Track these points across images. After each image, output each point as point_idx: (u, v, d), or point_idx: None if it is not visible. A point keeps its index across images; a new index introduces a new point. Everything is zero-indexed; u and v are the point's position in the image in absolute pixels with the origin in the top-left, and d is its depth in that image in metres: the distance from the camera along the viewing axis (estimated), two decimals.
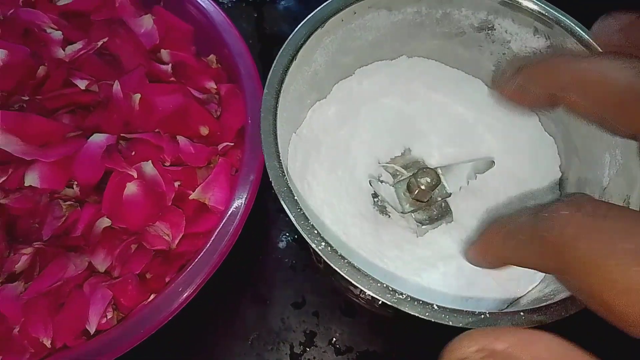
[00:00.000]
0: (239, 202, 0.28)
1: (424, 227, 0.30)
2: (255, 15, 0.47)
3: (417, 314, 0.20)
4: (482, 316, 0.20)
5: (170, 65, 0.32)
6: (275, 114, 0.24)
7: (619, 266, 0.14)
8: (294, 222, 0.21)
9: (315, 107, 0.31)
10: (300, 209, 0.22)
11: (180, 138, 0.30)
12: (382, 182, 0.32)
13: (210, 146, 0.31)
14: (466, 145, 0.32)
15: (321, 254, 0.21)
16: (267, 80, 0.25)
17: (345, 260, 0.21)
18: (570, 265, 0.15)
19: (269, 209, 0.39)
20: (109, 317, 0.27)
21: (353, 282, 0.20)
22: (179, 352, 0.34)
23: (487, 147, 0.32)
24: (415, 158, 0.33)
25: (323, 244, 0.21)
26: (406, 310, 0.20)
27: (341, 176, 0.31)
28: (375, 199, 0.32)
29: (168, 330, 0.27)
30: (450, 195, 0.31)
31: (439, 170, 0.31)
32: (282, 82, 0.25)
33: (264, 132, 0.23)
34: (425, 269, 0.29)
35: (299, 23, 0.26)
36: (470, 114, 0.32)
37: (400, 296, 0.20)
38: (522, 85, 0.21)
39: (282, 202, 0.22)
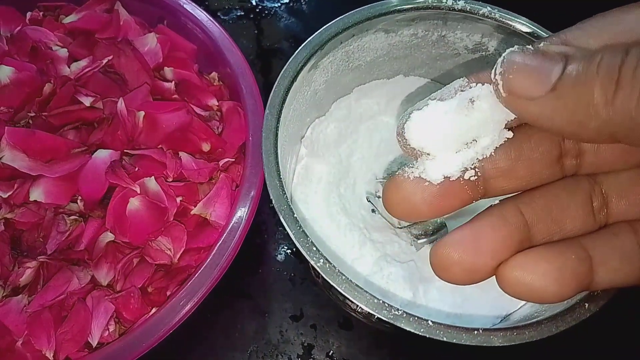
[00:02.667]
0: (240, 217, 0.29)
1: (420, 241, 0.31)
2: (256, 32, 0.48)
3: (412, 330, 0.20)
4: (476, 332, 0.21)
5: (173, 82, 0.33)
6: (277, 133, 0.25)
7: None
8: (294, 240, 0.22)
9: (315, 124, 0.32)
10: (300, 227, 0.22)
11: (182, 154, 0.31)
12: (379, 197, 0.33)
13: (211, 162, 0.32)
14: None
15: (320, 271, 0.21)
16: (269, 101, 0.25)
17: (343, 277, 0.21)
18: None
19: (267, 222, 0.40)
20: (111, 330, 0.27)
21: (350, 298, 0.21)
22: None
23: None
24: None
25: (322, 260, 0.22)
26: (402, 326, 0.20)
27: (342, 192, 0.32)
28: (374, 214, 0.33)
29: (167, 342, 0.27)
30: None
31: None
32: (283, 102, 0.25)
33: (265, 152, 0.24)
34: (421, 283, 0.30)
35: (299, 40, 0.27)
36: None
37: (397, 312, 0.21)
38: None
39: (283, 220, 0.22)
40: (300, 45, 0.26)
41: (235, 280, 0.37)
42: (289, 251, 0.39)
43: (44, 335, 0.27)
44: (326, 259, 0.22)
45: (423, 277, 0.30)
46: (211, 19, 0.35)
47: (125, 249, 0.29)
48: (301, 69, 0.26)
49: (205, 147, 0.32)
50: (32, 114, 0.31)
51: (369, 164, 0.34)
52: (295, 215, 0.23)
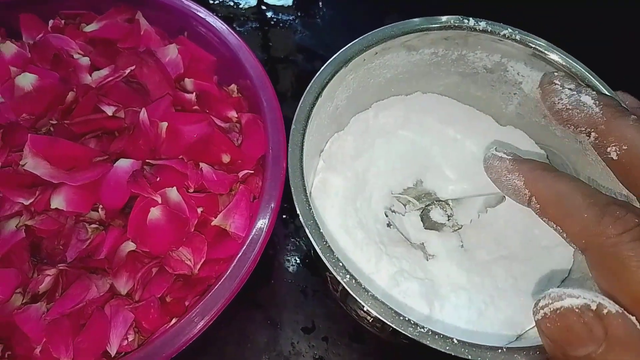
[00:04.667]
0: (260, 228, 0.29)
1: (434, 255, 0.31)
2: (270, 44, 0.49)
3: (438, 348, 0.21)
4: (500, 350, 0.21)
5: (194, 94, 0.33)
6: (302, 148, 0.25)
7: None
8: (320, 255, 0.22)
9: (334, 139, 0.33)
10: (326, 242, 0.23)
11: (203, 165, 0.31)
12: (394, 212, 0.33)
13: (230, 173, 0.32)
14: (477, 179, 0.33)
15: (346, 287, 0.22)
16: (295, 116, 0.26)
17: (369, 294, 0.22)
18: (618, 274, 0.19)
19: (279, 233, 0.40)
20: (130, 340, 0.27)
21: (376, 314, 0.21)
22: None
23: None
24: (427, 190, 0.34)
25: (348, 276, 0.22)
26: (427, 343, 0.21)
27: (358, 206, 0.32)
28: (389, 228, 0.33)
29: (180, 354, 0.27)
30: (461, 227, 0.32)
31: (451, 203, 0.32)
32: (308, 117, 0.26)
33: (291, 166, 0.24)
34: (437, 300, 0.30)
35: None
36: (481, 148, 0.34)
37: (422, 330, 0.21)
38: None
39: (309, 235, 0.23)
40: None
41: (247, 290, 0.37)
42: (300, 263, 0.39)
43: (62, 343, 0.28)
44: (352, 275, 0.22)
45: (439, 293, 0.30)
46: (232, 31, 0.35)
47: (144, 258, 0.29)
48: (326, 84, 0.27)
49: (225, 158, 0.32)
50: (54, 122, 0.31)
51: (385, 179, 0.34)
52: (321, 230, 0.23)
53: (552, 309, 0.19)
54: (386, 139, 0.34)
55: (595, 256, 0.20)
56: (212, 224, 0.30)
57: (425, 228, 0.32)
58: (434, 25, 0.29)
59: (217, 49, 0.36)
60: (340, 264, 0.22)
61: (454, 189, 0.33)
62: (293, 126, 0.25)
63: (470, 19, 0.29)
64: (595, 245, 0.20)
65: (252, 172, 0.32)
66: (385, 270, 0.30)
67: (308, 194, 0.24)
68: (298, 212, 0.23)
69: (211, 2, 0.51)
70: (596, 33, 0.49)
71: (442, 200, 0.32)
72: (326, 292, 0.38)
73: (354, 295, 0.21)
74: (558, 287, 0.27)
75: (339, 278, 0.22)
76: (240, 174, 0.32)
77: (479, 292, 0.30)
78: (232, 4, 0.51)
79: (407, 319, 0.21)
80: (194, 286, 0.29)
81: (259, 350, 0.36)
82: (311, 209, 0.23)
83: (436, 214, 0.31)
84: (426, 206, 0.32)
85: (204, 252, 0.29)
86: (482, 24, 0.29)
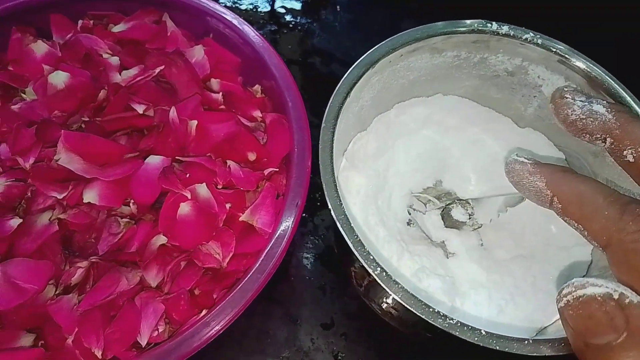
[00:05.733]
0: (286, 225, 0.30)
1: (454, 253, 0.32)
2: (289, 46, 0.50)
3: (466, 339, 0.21)
4: (526, 342, 0.22)
5: (220, 94, 0.34)
6: (332, 146, 0.26)
7: None
8: (352, 248, 0.23)
9: (357, 138, 0.33)
10: (357, 236, 0.23)
11: (230, 163, 0.32)
12: (415, 210, 0.34)
13: (256, 171, 0.33)
14: (496, 179, 0.34)
15: (377, 279, 0.22)
16: (325, 116, 0.27)
17: (400, 286, 0.22)
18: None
19: (297, 231, 0.41)
20: (160, 331, 0.28)
21: (406, 306, 0.22)
22: None
23: None
24: (447, 189, 0.35)
25: (379, 269, 0.23)
26: (457, 334, 0.21)
27: (379, 204, 0.33)
28: (409, 227, 0.34)
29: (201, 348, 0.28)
30: (481, 226, 0.33)
31: (471, 203, 0.33)
32: (337, 117, 0.27)
33: (322, 163, 0.25)
34: (458, 297, 0.30)
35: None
36: (500, 149, 0.35)
37: (451, 321, 0.22)
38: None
39: (341, 229, 0.23)
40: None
41: (266, 286, 0.38)
42: (318, 260, 0.40)
43: (93, 333, 0.28)
44: (382, 268, 0.23)
45: (459, 290, 0.31)
46: (257, 33, 0.36)
47: (174, 252, 0.30)
48: (354, 84, 0.28)
49: (251, 156, 0.33)
50: (86, 119, 0.32)
51: (405, 178, 0.35)
52: (352, 225, 0.24)
53: (574, 297, 0.20)
54: (407, 140, 0.35)
55: (617, 252, 0.21)
56: (240, 219, 0.30)
57: (445, 227, 0.33)
58: (458, 29, 0.30)
59: (242, 51, 0.37)
60: (371, 257, 0.23)
61: (473, 189, 0.34)
62: (323, 125, 0.26)
63: (493, 23, 0.30)
64: (616, 241, 0.21)
65: (277, 170, 0.33)
66: (407, 267, 0.31)
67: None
68: (330, 206, 0.24)
69: (227, 5, 0.52)
70: (616, 36, 0.49)
71: (463, 200, 0.32)
72: (344, 289, 0.38)
73: (385, 287, 0.22)
74: None
75: (370, 270, 0.22)
76: (266, 172, 0.32)
77: (498, 290, 0.31)
78: (250, 7, 0.52)
79: (436, 310, 0.22)
80: (221, 279, 0.29)
81: (279, 345, 0.36)
82: (342, 204, 0.24)
83: (458, 213, 0.31)
84: (447, 205, 0.33)
85: (232, 246, 0.29)
86: (505, 28, 0.30)
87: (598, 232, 0.22)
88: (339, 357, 0.36)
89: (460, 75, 0.33)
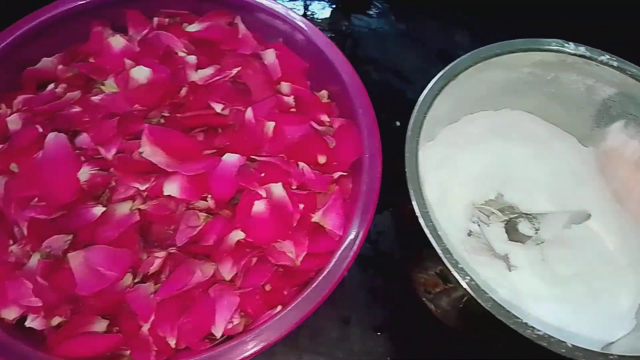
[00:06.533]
0: (358, 228, 0.30)
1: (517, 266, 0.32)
2: (349, 53, 0.50)
3: (554, 350, 0.22)
4: (610, 356, 0.22)
5: (292, 97, 0.35)
6: (417, 155, 0.26)
7: None
8: (441, 256, 0.24)
9: (425, 148, 0.34)
10: (444, 243, 0.24)
11: (302, 164, 0.32)
12: (474, 222, 0.34)
13: (324, 174, 0.33)
14: (557, 195, 0.35)
15: (467, 287, 0.23)
16: (410, 125, 0.27)
17: (488, 295, 0.23)
18: None
19: None
20: (235, 323, 0.29)
21: (496, 315, 0.23)
22: None
23: (581, 200, 0.34)
24: (509, 203, 0.35)
25: (468, 277, 0.23)
26: (544, 345, 0.22)
27: (442, 214, 0.34)
28: (469, 237, 0.34)
29: None
30: (544, 241, 0.33)
31: (538, 217, 0.34)
32: (421, 126, 0.27)
33: (409, 171, 0.26)
34: (521, 308, 0.31)
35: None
36: (564, 166, 0.35)
37: (539, 332, 0.22)
38: None
39: (430, 236, 0.24)
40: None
41: None
42: (372, 266, 0.40)
43: (168, 323, 0.29)
44: (471, 277, 0.23)
45: (523, 303, 0.31)
46: (328, 39, 0.37)
47: (246, 247, 0.31)
48: (437, 95, 0.28)
49: (321, 159, 0.34)
50: (166, 114, 0.33)
51: (467, 190, 0.35)
52: (439, 232, 0.24)
53: None
54: (471, 152, 0.36)
55: None
56: (312, 220, 0.31)
57: (509, 239, 0.33)
58: (535, 46, 0.31)
59: (310, 55, 0.38)
60: (460, 266, 0.23)
61: (538, 204, 0.34)
62: (409, 133, 0.27)
63: (571, 43, 0.31)
64: None
65: (346, 174, 0.34)
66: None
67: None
68: (418, 214, 0.25)
69: None
70: None
71: (529, 214, 0.33)
72: (395, 294, 0.39)
73: (475, 297, 0.23)
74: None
75: (459, 278, 0.23)
76: (335, 175, 0.33)
77: (560, 304, 0.31)
78: (308, 12, 0.53)
79: (524, 321, 0.22)
80: (292, 277, 0.30)
81: (332, 344, 0.37)
82: (427, 211, 0.25)
83: (525, 227, 0.32)
84: (511, 219, 0.33)
85: (305, 245, 0.30)
86: (582, 49, 0.31)
87: None
88: None
89: (529, 92, 0.34)
